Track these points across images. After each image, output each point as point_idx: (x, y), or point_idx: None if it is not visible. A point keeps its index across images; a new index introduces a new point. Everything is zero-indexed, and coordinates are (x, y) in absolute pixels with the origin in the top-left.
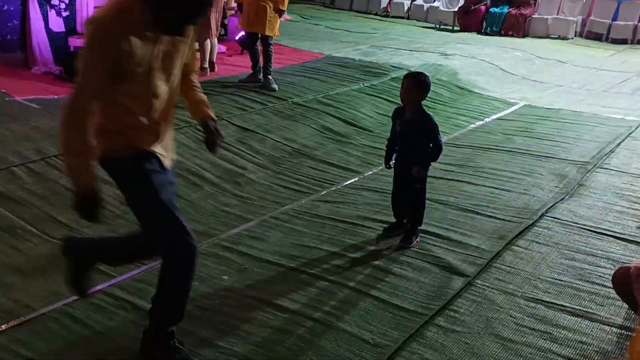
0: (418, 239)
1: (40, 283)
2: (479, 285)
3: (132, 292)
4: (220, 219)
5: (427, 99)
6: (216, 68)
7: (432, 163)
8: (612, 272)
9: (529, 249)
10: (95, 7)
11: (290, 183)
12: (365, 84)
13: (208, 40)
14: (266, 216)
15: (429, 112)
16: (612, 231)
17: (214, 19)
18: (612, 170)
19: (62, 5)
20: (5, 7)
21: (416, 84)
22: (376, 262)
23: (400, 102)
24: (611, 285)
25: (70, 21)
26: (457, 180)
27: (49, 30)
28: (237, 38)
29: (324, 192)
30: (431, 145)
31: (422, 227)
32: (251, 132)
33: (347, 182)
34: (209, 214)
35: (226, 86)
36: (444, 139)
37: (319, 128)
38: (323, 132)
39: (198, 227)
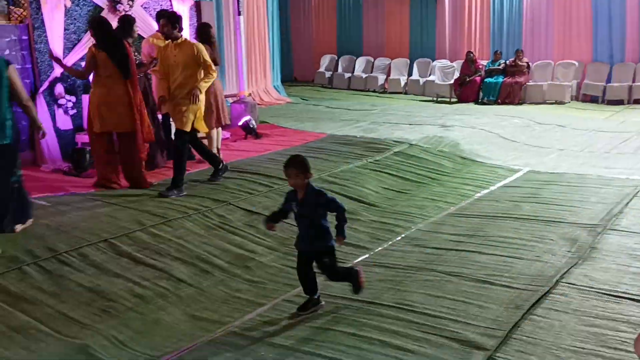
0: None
1: None
2: (500, 359)
3: None
4: (233, 306)
5: (431, 170)
6: (221, 155)
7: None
8: (633, 336)
9: (547, 317)
10: None
11: None
12: (369, 160)
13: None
14: (279, 299)
15: (331, 187)
16: (629, 294)
17: (217, 107)
18: (623, 231)
19: (69, 104)
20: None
21: (298, 168)
22: (394, 341)
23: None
24: (633, 350)
25: (77, 119)
26: (468, 251)
27: (56, 129)
28: (240, 124)
29: None
30: (336, 213)
31: (438, 300)
32: (258, 215)
33: (358, 260)
34: (221, 301)
35: (232, 171)
36: (451, 209)
37: None
38: None
39: (211, 316)
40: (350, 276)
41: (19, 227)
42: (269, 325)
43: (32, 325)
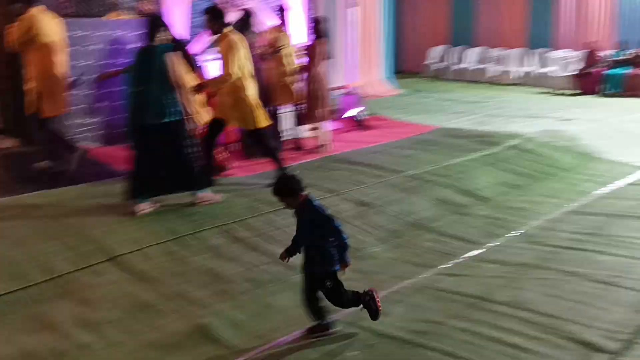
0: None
1: (177, 358)
2: None
3: None
4: None
5: (548, 165)
6: (332, 146)
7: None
8: None
9: None
10: None
11: (410, 256)
12: (481, 154)
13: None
14: (389, 291)
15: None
16: None
17: (323, 101)
18: None
19: None
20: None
21: (282, 195)
22: (509, 339)
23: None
24: None
25: None
26: (588, 250)
27: None
28: (349, 115)
29: (446, 265)
30: (332, 238)
31: (555, 300)
32: (368, 206)
33: (469, 254)
34: None
35: (340, 162)
36: (569, 206)
37: (437, 199)
38: (441, 204)
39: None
40: (363, 302)
41: (145, 208)
42: (380, 316)
43: (155, 303)
